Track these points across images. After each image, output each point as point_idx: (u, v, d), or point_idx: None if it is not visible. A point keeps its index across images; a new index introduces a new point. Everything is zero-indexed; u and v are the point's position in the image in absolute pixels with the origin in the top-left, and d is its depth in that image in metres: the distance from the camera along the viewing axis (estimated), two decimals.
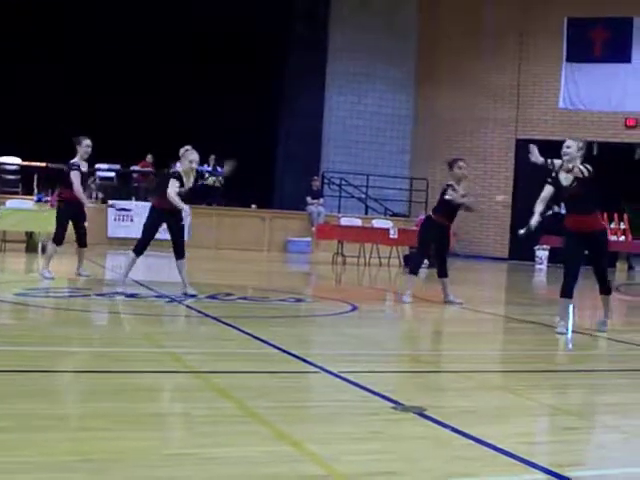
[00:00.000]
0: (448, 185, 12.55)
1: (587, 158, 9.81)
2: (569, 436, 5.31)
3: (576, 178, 9.53)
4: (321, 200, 26.92)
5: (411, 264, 13.86)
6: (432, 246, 13.24)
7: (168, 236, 12.15)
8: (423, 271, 16.64)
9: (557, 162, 9.61)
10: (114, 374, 6.26)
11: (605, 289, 10.21)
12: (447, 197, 12.45)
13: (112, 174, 27.35)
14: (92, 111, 25.12)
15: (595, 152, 27.48)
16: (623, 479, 4.45)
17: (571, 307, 10.27)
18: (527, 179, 27.57)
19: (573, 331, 9.81)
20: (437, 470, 4.30)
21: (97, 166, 24.72)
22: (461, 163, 12.74)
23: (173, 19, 27.01)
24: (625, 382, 7.30)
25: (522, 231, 9.93)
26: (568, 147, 9.68)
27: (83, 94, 26.04)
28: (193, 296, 11.47)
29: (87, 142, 13.38)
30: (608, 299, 10.30)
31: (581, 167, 9.48)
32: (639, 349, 9.33)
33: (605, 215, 26.97)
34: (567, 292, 9.79)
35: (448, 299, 12.72)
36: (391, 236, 22.32)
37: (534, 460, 4.47)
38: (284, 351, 7.39)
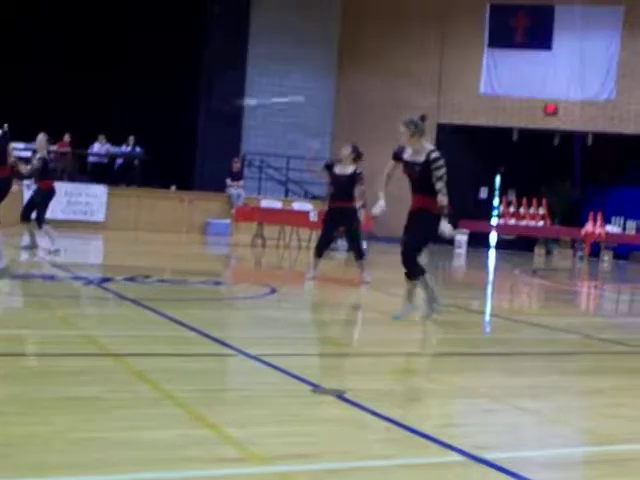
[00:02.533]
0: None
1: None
2: (485, 418, 5.35)
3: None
4: (241, 182, 26.81)
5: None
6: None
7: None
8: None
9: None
10: (27, 357, 6.14)
11: (408, 272, 9.15)
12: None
13: (28, 154, 26.86)
14: (9, 90, 24.64)
15: (515, 138, 27.87)
16: (538, 461, 4.49)
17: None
18: (447, 164, 27.87)
19: (493, 315, 9.87)
20: (355, 452, 4.29)
21: (13, 145, 24.23)
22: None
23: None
24: (541, 365, 7.38)
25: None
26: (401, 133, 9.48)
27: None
28: None
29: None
30: (413, 284, 9.24)
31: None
32: (555, 333, 9.45)
33: (524, 200, 27.46)
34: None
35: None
36: (311, 219, 22.27)
37: (450, 442, 4.49)
38: (202, 334, 7.33)
